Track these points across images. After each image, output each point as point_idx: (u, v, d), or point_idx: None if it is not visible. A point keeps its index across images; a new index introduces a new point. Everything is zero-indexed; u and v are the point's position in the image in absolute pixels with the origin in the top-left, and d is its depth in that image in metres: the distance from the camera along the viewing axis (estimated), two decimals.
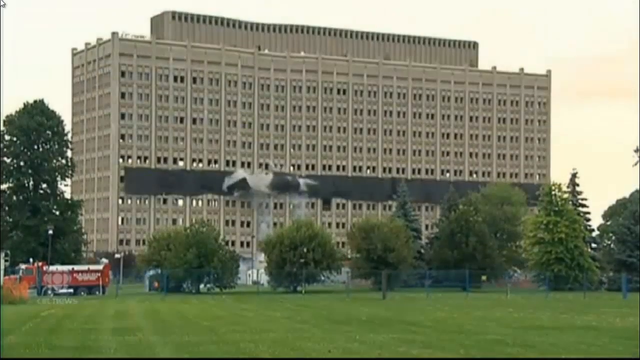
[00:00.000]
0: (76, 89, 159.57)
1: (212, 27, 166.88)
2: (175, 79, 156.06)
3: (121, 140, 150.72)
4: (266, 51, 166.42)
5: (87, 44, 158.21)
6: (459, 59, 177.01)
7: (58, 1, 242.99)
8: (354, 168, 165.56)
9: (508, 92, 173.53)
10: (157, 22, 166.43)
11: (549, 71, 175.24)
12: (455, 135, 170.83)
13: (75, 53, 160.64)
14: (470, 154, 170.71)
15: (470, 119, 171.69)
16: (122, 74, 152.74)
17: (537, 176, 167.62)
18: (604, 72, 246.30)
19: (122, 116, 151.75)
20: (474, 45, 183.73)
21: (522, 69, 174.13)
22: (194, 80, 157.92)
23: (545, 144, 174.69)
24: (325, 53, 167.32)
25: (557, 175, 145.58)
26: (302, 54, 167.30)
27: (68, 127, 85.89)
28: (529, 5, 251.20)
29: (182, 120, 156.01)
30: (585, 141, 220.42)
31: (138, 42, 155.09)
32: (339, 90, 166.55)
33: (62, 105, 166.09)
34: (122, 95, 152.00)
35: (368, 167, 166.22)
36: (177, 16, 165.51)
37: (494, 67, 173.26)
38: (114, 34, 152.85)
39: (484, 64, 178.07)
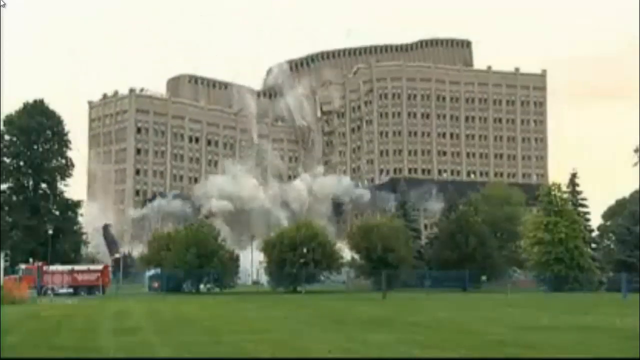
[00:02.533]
0: (92, 141, 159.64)
1: (226, 92, 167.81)
2: (190, 139, 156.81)
3: (136, 197, 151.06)
4: (280, 122, 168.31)
5: (104, 94, 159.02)
6: (452, 58, 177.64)
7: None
8: (352, 169, 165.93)
9: (504, 91, 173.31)
10: (173, 85, 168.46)
11: (544, 71, 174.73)
12: (452, 135, 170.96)
13: (92, 106, 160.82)
14: (467, 154, 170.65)
15: (466, 119, 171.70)
16: (138, 130, 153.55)
17: (535, 176, 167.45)
18: (602, 71, 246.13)
19: (137, 172, 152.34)
20: (467, 44, 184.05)
21: (517, 69, 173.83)
22: (209, 142, 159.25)
23: (542, 143, 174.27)
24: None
25: (556, 175, 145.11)
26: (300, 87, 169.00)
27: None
28: (523, 4, 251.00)
29: (196, 180, 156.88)
30: (584, 141, 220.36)
31: (155, 99, 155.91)
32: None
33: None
34: (138, 151, 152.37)
35: None
36: (193, 80, 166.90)
37: (489, 67, 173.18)
38: (131, 90, 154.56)
39: (478, 63, 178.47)
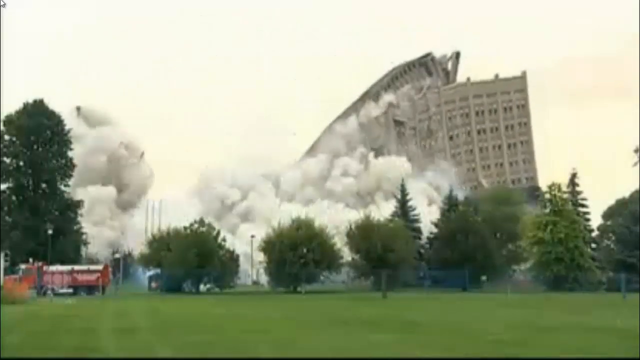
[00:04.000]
0: None
1: None
2: None
3: None
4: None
5: None
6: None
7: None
8: None
9: (485, 101, 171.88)
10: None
11: (524, 72, 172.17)
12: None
13: None
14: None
15: (451, 137, 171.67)
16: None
17: (525, 180, 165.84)
18: (601, 71, 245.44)
19: None
20: (457, 55, 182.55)
21: (496, 75, 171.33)
22: None
23: (528, 146, 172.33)
24: None
25: (548, 175, 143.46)
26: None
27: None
28: (522, 4, 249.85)
29: None
30: (581, 141, 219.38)
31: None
32: None
33: None
34: None
35: None
36: None
37: (468, 79, 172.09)
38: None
39: (460, 74, 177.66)
